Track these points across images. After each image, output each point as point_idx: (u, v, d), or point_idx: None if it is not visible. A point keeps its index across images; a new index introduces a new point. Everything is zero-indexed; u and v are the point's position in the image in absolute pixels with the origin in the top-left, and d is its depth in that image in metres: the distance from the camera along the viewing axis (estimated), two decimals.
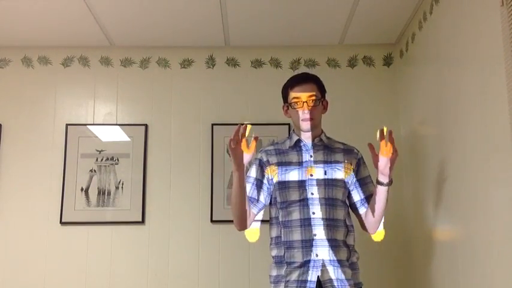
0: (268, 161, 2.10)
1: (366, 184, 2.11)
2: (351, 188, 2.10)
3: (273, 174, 2.07)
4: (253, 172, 2.12)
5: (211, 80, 3.24)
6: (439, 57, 2.48)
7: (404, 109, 3.07)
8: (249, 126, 1.88)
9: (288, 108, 2.11)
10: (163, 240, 3.04)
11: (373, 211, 2.04)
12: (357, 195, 2.11)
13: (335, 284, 1.92)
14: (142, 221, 3.06)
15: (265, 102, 3.16)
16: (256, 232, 2.10)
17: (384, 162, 1.90)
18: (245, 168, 1.96)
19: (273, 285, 2.02)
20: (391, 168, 1.92)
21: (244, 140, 1.88)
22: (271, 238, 2.08)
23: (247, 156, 1.91)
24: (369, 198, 2.09)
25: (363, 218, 2.11)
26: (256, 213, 2.10)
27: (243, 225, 2.07)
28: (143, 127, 3.17)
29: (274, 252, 2.05)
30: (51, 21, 2.93)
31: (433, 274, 2.56)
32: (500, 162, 1.82)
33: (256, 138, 1.90)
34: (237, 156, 1.88)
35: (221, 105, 3.20)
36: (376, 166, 1.93)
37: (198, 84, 3.24)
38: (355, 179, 2.10)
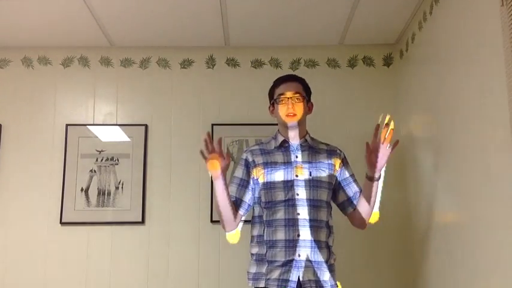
0: (254, 161, 2.11)
1: (351, 183, 2.15)
2: (336, 189, 2.13)
3: (259, 174, 2.08)
4: (239, 172, 2.13)
5: (211, 80, 3.24)
6: (439, 57, 2.48)
7: (404, 109, 3.07)
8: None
9: (273, 108, 2.15)
10: (163, 240, 3.04)
11: (364, 206, 2.08)
12: (343, 195, 2.14)
13: (314, 285, 1.95)
14: (142, 221, 3.06)
15: (265, 103, 3.12)
16: (238, 233, 2.10)
17: (382, 153, 1.95)
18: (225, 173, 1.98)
19: (251, 282, 2.04)
20: (386, 161, 1.98)
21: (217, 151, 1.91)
22: (253, 236, 2.10)
23: (223, 163, 1.93)
24: (355, 196, 2.13)
25: (352, 216, 2.14)
26: (242, 214, 2.13)
27: (231, 227, 2.10)
28: (143, 127, 3.16)
29: (255, 250, 2.07)
30: (51, 21, 2.93)
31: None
32: (501, 162, 1.82)
33: (220, 140, 1.92)
34: (214, 166, 1.91)
35: (221, 105, 3.20)
36: (370, 162, 1.98)
37: (198, 84, 3.23)
38: (340, 179, 2.13)
